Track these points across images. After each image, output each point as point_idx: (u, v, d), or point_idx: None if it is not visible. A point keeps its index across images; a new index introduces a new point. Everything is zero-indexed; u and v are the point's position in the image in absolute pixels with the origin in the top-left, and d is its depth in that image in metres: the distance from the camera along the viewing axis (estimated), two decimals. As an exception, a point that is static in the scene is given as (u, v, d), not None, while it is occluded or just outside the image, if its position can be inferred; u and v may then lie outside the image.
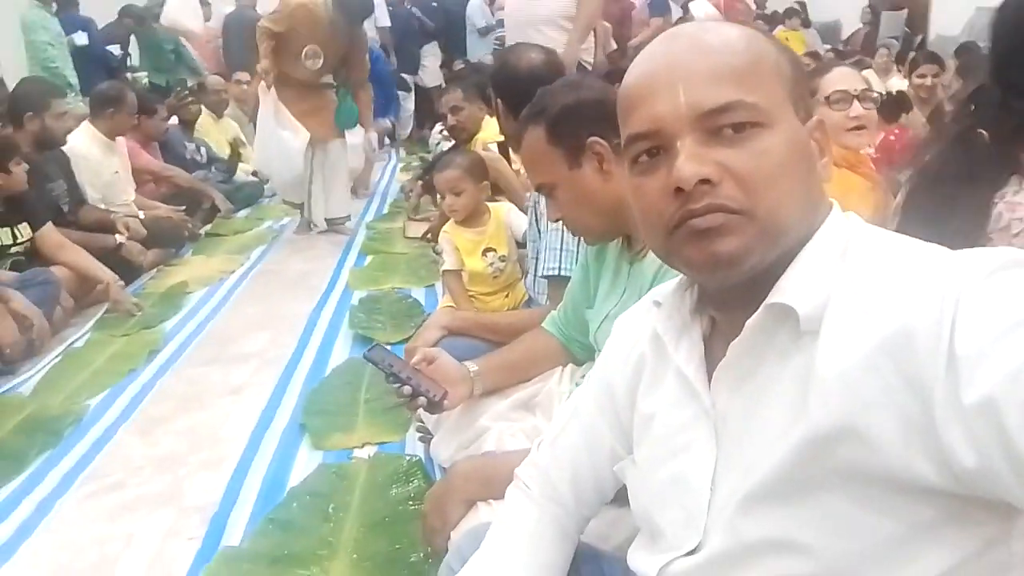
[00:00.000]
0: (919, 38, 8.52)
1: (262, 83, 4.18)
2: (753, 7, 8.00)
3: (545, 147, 1.34)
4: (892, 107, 3.71)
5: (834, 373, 0.62)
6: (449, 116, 3.57)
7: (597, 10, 3.53)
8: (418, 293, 3.46)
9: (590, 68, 3.49)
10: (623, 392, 0.87)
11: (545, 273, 1.90)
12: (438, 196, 4.03)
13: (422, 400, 1.44)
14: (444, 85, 6.96)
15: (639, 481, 0.83)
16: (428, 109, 8.10)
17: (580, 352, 1.59)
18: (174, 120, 5.41)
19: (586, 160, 1.32)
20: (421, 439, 1.95)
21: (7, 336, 2.74)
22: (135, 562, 1.71)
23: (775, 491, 0.66)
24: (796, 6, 8.72)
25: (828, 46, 8.29)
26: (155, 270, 3.97)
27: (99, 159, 4.06)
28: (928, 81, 4.41)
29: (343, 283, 3.72)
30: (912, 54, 5.42)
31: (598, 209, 1.34)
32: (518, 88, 2.07)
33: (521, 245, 2.44)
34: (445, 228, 2.53)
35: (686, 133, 0.68)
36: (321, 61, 4.17)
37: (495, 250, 2.42)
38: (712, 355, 0.75)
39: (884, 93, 3.69)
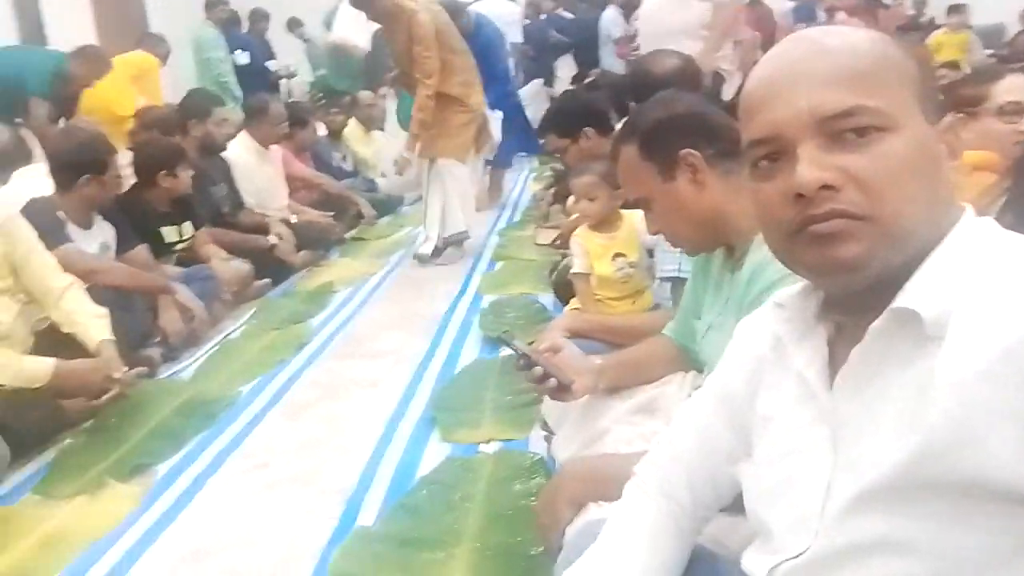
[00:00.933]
0: (1100, 40, 7.76)
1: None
2: (909, 13, 7.55)
3: (638, 162, 1.38)
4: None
5: (955, 380, 0.61)
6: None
7: (732, 17, 3.46)
8: (545, 298, 3.49)
9: (727, 76, 3.44)
10: (742, 393, 0.87)
11: (663, 275, 1.89)
12: (569, 201, 4.08)
13: (552, 382, 1.47)
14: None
15: (753, 481, 0.83)
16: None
17: (697, 359, 1.57)
18: (323, 130, 5.75)
19: (679, 173, 1.35)
20: (545, 438, 1.99)
21: (172, 325, 3.01)
22: (277, 536, 1.85)
23: (886, 494, 0.65)
24: (958, 5, 8.11)
25: (990, 51, 7.70)
26: (305, 270, 4.25)
27: (253, 166, 4.37)
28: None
29: (474, 287, 3.83)
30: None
31: (694, 220, 1.36)
32: (654, 92, 2.10)
33: (652, 253, 2.44)
34: (577, 232, 2.56)
35: (807, 138, 0.68)
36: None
37: (625, 255, 2.43)
38: (836, 359, 0.75)
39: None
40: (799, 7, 5.85)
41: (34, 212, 2.66)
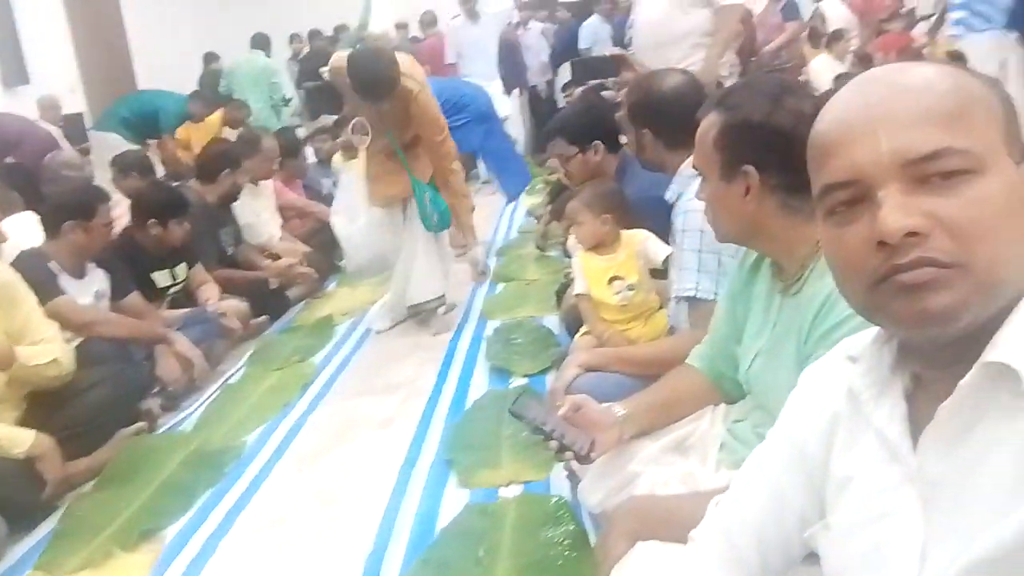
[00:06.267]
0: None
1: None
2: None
3: (709, 144, 1.32)
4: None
5: None
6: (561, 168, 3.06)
7: (736, 24, 3.37)
8: (551, 321, 3.42)
9: (725, 85, 3.36)
10: (815, 451, 0.82)
11: (681, 294, 1.83)
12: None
13: (569, 454, 1.42)
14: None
15: (834, 549, 0.78)
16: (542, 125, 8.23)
17: (731, 389, 1.51)
18: (312, 158, 5.68)
19: (736, 180, 1.28)
20: (569, 477, 1.92)
21: (171, 374, 2.93)
22: (298, 600, 1.76)
23: (999, 568, 0.60)
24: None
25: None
26: (302, 303, 4.14)
27: (242, 202, 4.22)
28: None
29: (478, 312, 3.75)
30: None
31: (735, 223, 1.32)
32: (664, 113, 2.05)
33: (663, 273, 2.37)
34: (577, 254, 2.52)
35: (889, 182, 0.65)
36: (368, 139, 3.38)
37: (622, 278, 2.38)
38: (916, 415, 0.71)
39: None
40: (787, 4, 5.71)
41: (25, 265, 2.57)
